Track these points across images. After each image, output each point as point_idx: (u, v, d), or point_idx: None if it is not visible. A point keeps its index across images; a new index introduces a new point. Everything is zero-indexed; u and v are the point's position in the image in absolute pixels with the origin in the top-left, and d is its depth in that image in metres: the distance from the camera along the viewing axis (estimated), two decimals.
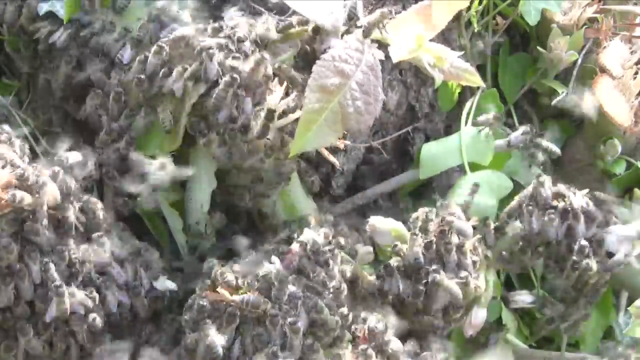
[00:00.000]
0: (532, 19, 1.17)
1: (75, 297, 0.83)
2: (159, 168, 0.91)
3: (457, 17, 1.13)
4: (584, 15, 1.20)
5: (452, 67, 0.93)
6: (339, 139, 0.99)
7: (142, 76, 0.92)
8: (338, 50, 0.89)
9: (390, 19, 0.93)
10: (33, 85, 1.08)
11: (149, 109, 0.94)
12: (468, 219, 0.99)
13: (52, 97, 1.04)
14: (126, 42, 0.97)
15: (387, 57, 1.05)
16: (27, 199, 0.81)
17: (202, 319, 0.83)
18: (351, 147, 1.09)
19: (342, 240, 0.96)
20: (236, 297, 0.84)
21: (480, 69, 1.21)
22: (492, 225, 1.00)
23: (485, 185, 1.04)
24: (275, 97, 0.92)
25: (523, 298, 1.08)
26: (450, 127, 1.22)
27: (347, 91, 0.88)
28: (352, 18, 0.97)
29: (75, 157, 0.91)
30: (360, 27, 0.94)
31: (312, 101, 0.87)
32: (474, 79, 0.95)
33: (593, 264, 0.97)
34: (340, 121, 0.88)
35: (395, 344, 0.88)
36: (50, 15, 1.01)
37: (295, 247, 0.89)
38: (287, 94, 0.94)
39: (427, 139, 1.18)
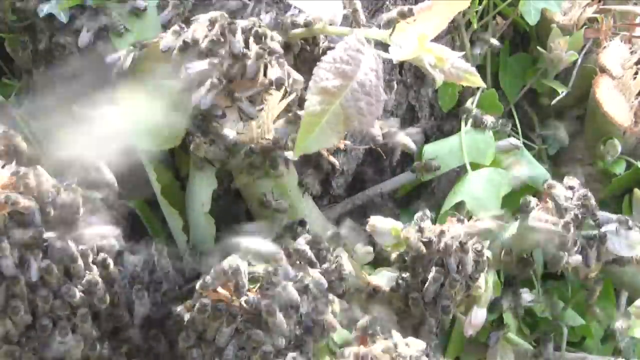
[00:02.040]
0: (532, 19, 1.17)
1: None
2: None
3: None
4: (584, 15, 1.20)
5: (452, 67, 0.92)
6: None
7: None
8: (338, 52, 0.89)
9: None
10: (33, 85, 1.08)
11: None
12: (469, 218, 0.99)
13: (52, 96, 1.04)
14: None
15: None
16: (23, 201, 0.81)
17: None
18: (351, 147, 1.09)
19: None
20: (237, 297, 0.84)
21: (480, 69, 1.21)
22: None
23: (487, 183, 1.04)
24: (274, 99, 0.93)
25: (522, 297, 1.08)
26: (450, 127, 1.22)
27: (348, 92, 0.88)
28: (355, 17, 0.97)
29: None
30: (360, 26, 0.95)
31: (313, 104, 0.86)
32: (475, 80, 0.95)
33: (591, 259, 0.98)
34: (343, 122, 0.88)
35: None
36: (51, 17, 1.01)
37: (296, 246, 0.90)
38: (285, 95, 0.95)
39: (427, 139, 1.18)
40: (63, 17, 1.00)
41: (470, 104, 1.16)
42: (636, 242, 0.97)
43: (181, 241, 0.99)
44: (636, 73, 1.16)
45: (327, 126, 0.87)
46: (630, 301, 1.13)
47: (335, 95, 0.87)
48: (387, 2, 1.05)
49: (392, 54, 0.90)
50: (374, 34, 0.94)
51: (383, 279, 0.98)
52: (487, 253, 0.98)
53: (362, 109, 0.89)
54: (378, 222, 0.98)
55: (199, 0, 1.02)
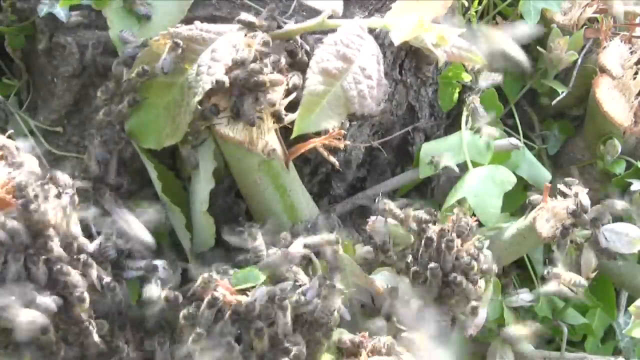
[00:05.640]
0: (532, 19, 1.17)
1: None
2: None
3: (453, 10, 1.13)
4: (584, 15, 1.20)
5: (454, 47, 0.92)
6: (339, 139, 0.99)
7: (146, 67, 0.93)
8: (340, 35, 0.89)
9: None
10: (33, 85, 1.08)
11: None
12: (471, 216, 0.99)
13: (52, 96, 1.04)
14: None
15: (386, 58, 1.06)
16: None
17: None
18: (351, 147, 1.09)
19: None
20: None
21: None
22: None
23: (489, 180, 1.04)
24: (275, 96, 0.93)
25: (523, 297, 1.08)
26: (451, 127, 1.22)
27: (349, 75, 0.88)
28: None
29: None
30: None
31: (314, 83, 0.86)
32: (477, 58, 0.94)
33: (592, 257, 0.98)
34: (344, 105, 0.88)
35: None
36: (50, 17, 1.01)
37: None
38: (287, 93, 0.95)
39: (427, 139, 1.18)
40: (63, 17, 1.00)
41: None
42: (637, 238, 0.97)
43: (185, 239, 0.99)
44: (636, 73, 1.16)
45: (327, 107, 0.87)
46: (630, 301, 1.13)
47: (336, 77, 0.87)
48: (387, 1, 1.05)
49: (392, 37, 0.90)
50: (374, 23, 0.94)
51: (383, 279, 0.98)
52: (487, 252, 0.99)
53: (363, 92, 0.89)
54: (378, 222, 0.98)
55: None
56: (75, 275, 0.82)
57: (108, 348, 0.86)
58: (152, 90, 0.94)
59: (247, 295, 0.85)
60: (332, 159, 1.02)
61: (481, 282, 0.97)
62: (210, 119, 0.92)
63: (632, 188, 1.10)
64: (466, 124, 1.12)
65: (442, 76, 1.17)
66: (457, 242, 0.94)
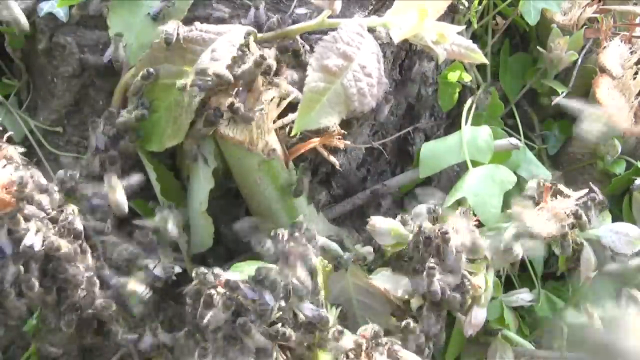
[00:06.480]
0: (532, 19, 1.17)
1: None
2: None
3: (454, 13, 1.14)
4: (584, 15, 1.20)
5: (454, 44, 0.92)
6: (339, 139, 0.99)
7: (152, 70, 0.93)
8: (340, 33, 0.89)
9: None
10: (33, 85, 1.08)
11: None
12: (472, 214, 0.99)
13: (52, 96, 1.04)
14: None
15: (385, 58, 1.05)
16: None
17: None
18: (351, 147, 1.09)
19: None
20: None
21: (481, 69, 1.21)
22: None
23: (489, 180, 1.04)
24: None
25: (523, 297, 1.08)
26: (451, 127, 1.22)
27: (349, 73, 0.88)
28: None
29: None
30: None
31: (314, 80, 0.86)
32: (477, 56, 0.94)
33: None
34: (344, 102, 0.88)
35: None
36: (50, 17, 1.01)
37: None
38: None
39: (427, 139, 1.18)
40: (62, 16, 1.00)
41: (470, 103, 1.16)
42: (637, 238, 0.97)
43: (182, 240, 0.99)
44: (636, 73, 1.16)
45: (327, 104, 0.87)
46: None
47: (336, 74, 0.87)
48: (387, 1, 1.05)
49: (392, 35, 0.90)
50: (373, 21, 0.94)
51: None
52: (487, 253, 0.99)
53: (363, 90, 0.89)
54: (378, 222, 0.98)
55: None
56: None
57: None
58: (153, 92, 0.94)
59: None
60: (332, 159, 1.02)
61: (481, 282, 0.97)
62: (215, 123, 0.92)
63: (637, 183, 1.10)
64: (466, 123, 1.12)
65: (442, 76, 1.17)
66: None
